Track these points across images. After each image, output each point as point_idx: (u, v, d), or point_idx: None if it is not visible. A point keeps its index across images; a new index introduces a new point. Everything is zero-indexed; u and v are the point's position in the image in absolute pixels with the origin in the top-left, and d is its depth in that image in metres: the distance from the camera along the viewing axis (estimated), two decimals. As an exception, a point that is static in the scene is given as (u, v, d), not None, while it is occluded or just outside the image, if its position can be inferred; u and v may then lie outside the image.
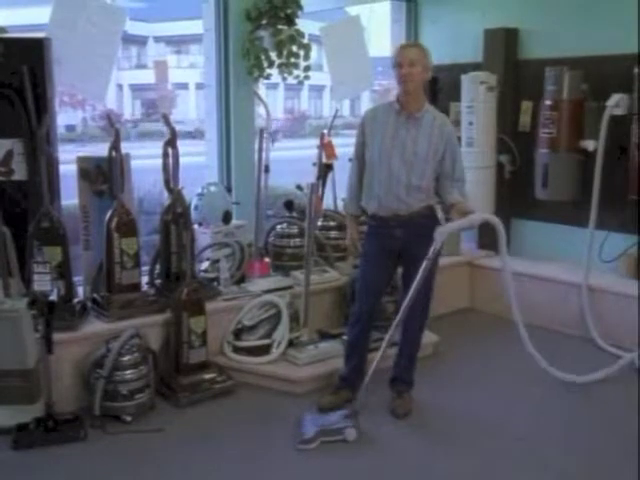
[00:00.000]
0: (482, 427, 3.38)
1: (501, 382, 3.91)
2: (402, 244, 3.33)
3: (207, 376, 3.66)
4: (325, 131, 4.64)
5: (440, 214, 3.37)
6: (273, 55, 4.63)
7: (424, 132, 3.26)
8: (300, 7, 4.66)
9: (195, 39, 16.89)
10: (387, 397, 3.55)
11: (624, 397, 3.64)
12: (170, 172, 3.86)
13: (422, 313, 3.46)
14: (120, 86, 21.16)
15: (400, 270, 3.53)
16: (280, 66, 4.67)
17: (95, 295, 3.77)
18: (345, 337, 3.74)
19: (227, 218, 4.48)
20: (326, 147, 4.45)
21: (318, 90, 22.86)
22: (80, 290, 3.92)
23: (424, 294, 3.40)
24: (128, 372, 3.38)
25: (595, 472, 3.00)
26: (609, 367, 3.83)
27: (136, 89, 22.37)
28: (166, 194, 3.99)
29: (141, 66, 23.43)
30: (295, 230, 4.53)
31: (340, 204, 5.04)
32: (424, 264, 3.13)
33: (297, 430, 3.24)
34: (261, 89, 5.04)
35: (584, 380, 3.76)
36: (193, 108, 19.52)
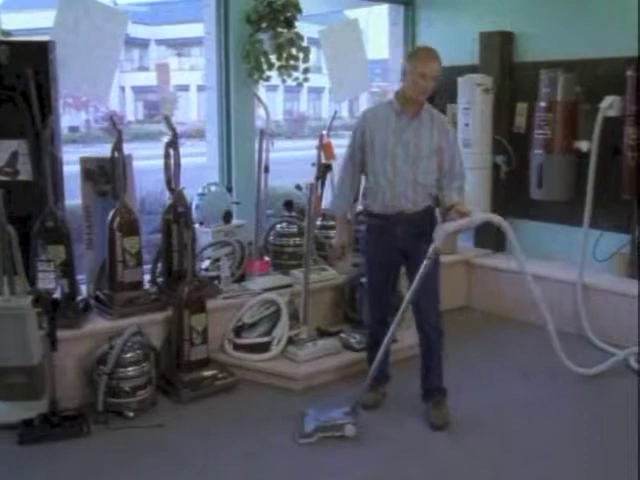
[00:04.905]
0: (480, 424, 3.40)
1: (499, 380, 3.93)
2: (404, 243, 3.31)
3: (208, 373, 3.70)
4: (324, 132, 4.67)
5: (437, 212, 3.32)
6: (273, 58, 4.68)
7: (425, 131, 3.28)
8: (299, 10, 4.70)
9: (196, 42, 16.91)
10: (388, 394, 3.58)
11: (624, 397, 3.66)
12: (172, 172, 3.93)
13: (436, 317, 3.39)
14: (122, 88, 21.21)
15: (404, 269, 3.47)
16: (280, 68, 4.72)
17: (98, 293, 3.81)
18: (365, 342, 3.71)
19: (227, 217, 4.52)
20: (325, 148, 4.49)
21: (317, 92, 22.91)
22: (83, 288, 3.96)
23: (433, 298, 3.35)
24: (130, 369, 3.42)
25: (596, 471, 3.02)
26: (603, 363, 3.88)
27: (138, 91, 22.42)
28: (167, 194, 4.05)
29: (143, 68, 23.48)
30: (294, 229, 4.59)
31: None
32: (424, 263, 3.08)
33: (299, 424, 3.27)
34: (261, 91, 5.09)
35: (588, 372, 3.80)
36: (194, 110, 19.56)
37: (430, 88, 3.24)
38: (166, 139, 3.92)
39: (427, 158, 3.29)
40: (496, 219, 3.24)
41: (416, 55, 3.32)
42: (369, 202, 3.40)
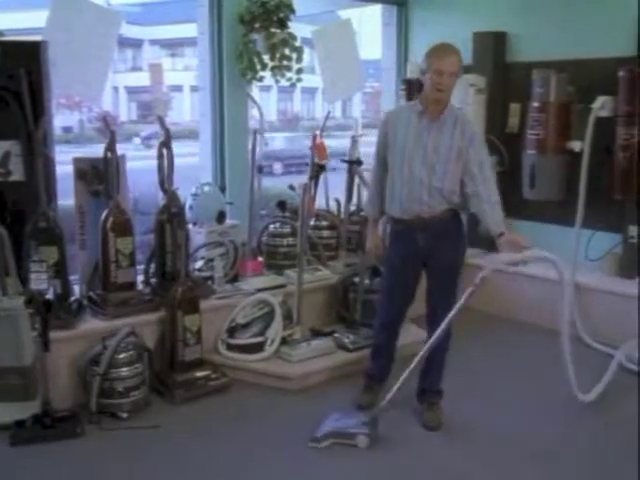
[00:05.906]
0: (479, 426, 3.39)
1: (498, 381, 3.93)
2: (424, 250, 3.25)
3: (201, 373, 3.70)
4: (317, 132, 4.68)
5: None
6: (266, 58, 4.68)
7: (446, 133, 3.17)
8: (292, 11, 4.71)
9: (190, 42, 16.91)
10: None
11: (623, 397, 3.66)
12: (165, 173, 3.92)
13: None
14: (116, 88, 21.19)
15: (424, 275, 3.40)
16: (273, 69, 4.72)
17: (91, 294, 3.80)
18: (371, 340, 3.67)
19: (221, 218, 4.53)
20: (318, 148, 4.49)
21: (310, 92, 22.94)
22: (76, 289, 3.95)
23: (449, 299, 3.28)
24: (124, 369, 3.41)
25: (596, 473, 3.02)
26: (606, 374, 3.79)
27: (132, 91, 22.40)
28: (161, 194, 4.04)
29: (136, 69, 23.46)
30: (288, 230, 4.58)
31: (332, 204, 5.11)
32: (468, 290, 3.01)
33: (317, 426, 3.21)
34: (254, 91, 5.10)
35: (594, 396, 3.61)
36: (188, 110, 19.57)
37: (449, 85, 3.13)
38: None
39: (445, 162, 3.16)
40: (551, 258, 3.13)
41: (432, 51, 3.19)
42: (389, 206, 3.33)
